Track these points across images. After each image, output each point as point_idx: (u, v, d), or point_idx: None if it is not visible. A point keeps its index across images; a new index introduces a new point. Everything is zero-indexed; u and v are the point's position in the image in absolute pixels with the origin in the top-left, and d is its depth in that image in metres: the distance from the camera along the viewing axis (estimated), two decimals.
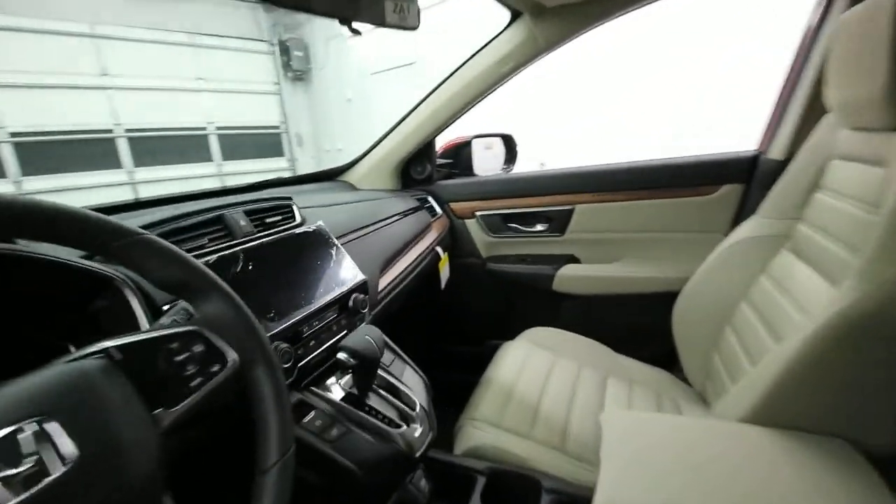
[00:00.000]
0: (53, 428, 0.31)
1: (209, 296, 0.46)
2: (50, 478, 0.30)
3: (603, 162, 1.48)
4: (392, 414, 0.77)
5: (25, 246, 0.50)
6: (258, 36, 7.06)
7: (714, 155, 1.36)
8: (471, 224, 1.62)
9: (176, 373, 0.42)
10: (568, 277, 1.51)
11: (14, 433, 0.30)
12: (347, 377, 0.81)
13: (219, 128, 6.74)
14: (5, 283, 0.48)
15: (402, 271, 1.19)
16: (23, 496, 0.28)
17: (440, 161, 1.71)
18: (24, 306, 0.51)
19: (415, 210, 1.43)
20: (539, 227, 1.55)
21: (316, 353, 0.77)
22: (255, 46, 7.09)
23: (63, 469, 0.30)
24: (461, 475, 0.89)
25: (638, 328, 1.45)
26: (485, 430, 0.99)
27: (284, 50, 7.18)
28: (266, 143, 7.44)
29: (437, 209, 1.59)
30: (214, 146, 6.77)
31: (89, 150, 5.45)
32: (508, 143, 1.79)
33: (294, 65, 7.24)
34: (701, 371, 1.16)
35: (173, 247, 0.45)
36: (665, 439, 0.76)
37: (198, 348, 0.44)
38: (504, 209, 1.56)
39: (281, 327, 0.69)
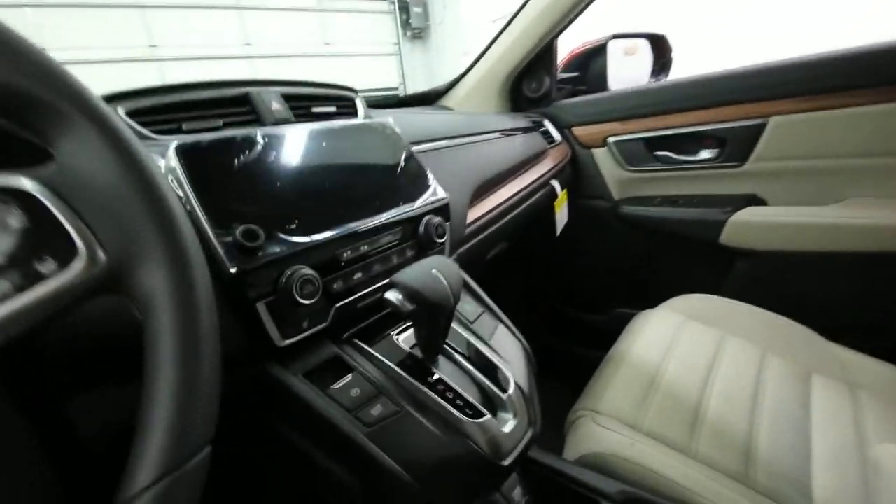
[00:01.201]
0: None
1: (70, 126, 0.22)
2: None
3: (821, 50, 0.96)
4: (471, 394, 0.50)
5: None
6: None
7: None
8: (600, 155, 1.23)
9: None
10: (747, 226, 1.05)
11: None
12: (409, 333, 0.55)
13: None
14: None
15: (502, 204, 0.89)
16: None
17: (562, 76, 1.33)
18: None
19: (525, 130, 1.10)
20: (704, 155, 1.10)
21: (365, 291, 0.52)
22: (376, 7, 7.11)
23: None
24: (574, 495, 0.59)
25: (863, 305, 0.95)
26: (614, 431, 0.67)
27: (404, 7, 7.09)
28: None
29: (556, 135, 1.23)
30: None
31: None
32: (659, 45, 1.31)
33: (413, 22, 7.13)
34: None
35: (13, 30, 0.21)
36: None
37: (14, 222, 0.20)
38: (650, 131, 1.14)
39: (307, 243, 0.46)
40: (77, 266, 0.21)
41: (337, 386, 0.46)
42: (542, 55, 1.21)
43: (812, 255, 0.99)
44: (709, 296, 0.99)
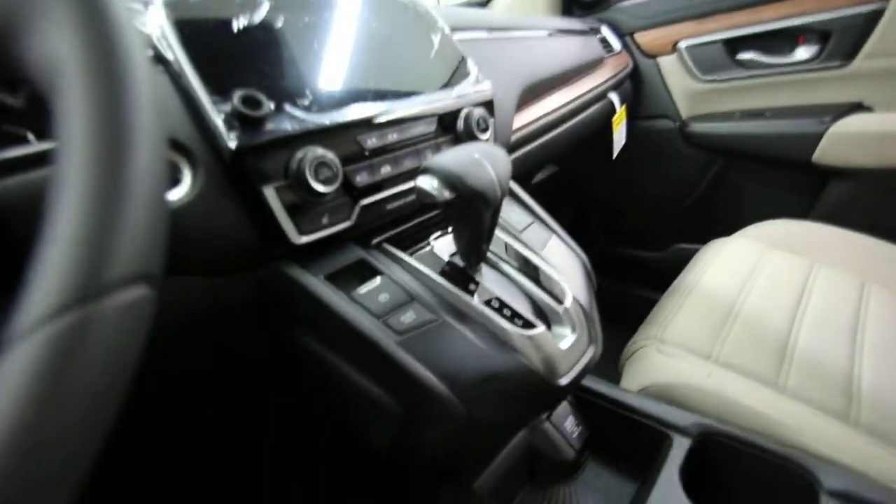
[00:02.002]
0: None
1: None
2: None
3: None
4: (520, 305, 0.42)
5: None
6: None
7: None
8: (667, 64, 1.06)
9: None
10: (849, 138, 0.88)
11: None
12: (447, 240, 0.47)
13: None
14: None
15: (552, 112, 0.77)
16: None
17: None
18: None
19: (580, 33, 0.96)
20: (800, 55, 0.91)
21: (392, 190, 0.44)
22: None
23: None
24: (639, 427, 0.51)
25: None
26: (682, 360, 0.58)
27: None
28: None
29: (616, 44, 1.07)
30: None
31: None
32: None
33: None
34: None
35: None
36: None
37: None
38: (733, 29, 0.96)
39: (322, 123, 0.38)
40: None
41: (363, 290, 0.39)
42: None
43: None
44: (795, 220, 0.85)
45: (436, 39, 0.53)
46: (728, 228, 0.88)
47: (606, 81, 0.94)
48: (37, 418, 0.11)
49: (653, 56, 1.07)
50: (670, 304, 0.70)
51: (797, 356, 0.58)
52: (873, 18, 0.82)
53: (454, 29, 0.62)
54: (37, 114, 0.25)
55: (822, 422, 0.49)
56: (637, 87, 1.10)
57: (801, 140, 0.91)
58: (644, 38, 1.07)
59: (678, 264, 0.83)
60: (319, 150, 0.37)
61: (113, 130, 0.14)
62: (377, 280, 0.40)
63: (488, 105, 0.54)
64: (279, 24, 0.40)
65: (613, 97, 0.97)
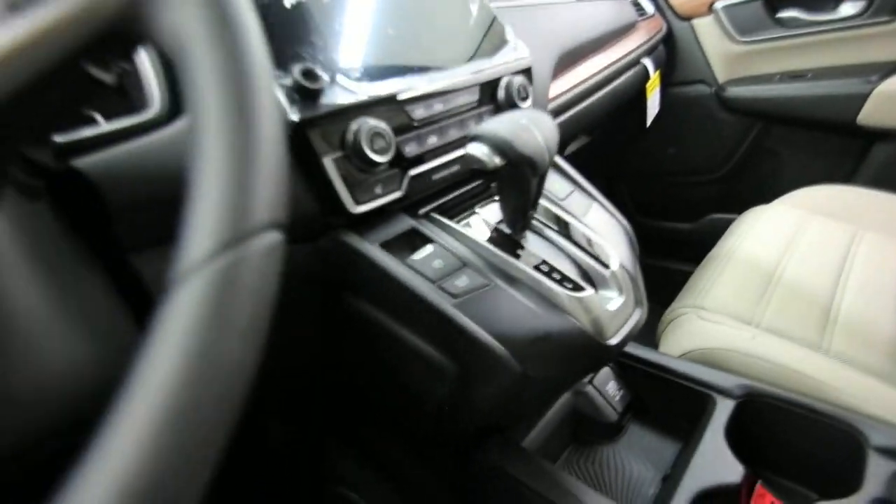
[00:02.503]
0: None
1: None
2: None
3: None
4: (568, 269, 0.43)
5: None
6: None
7: None
8: (703, 26, 1.02)
9: None
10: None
11: None
12: (492, 208, 0.48)
13: None
14: None
15: (586, 80, 0.76)
16: None
17: None
18: None
19: None
20: (846, 11, 0.87)
21: (442, 160, 0.45)
22: None
23: None
24: (681, 390, 0.52)
25: None
26: (724, 325, 0.58)
27: None
28: None
29: (649, 7, 1.03)
30: None
31: None
32: None
33: None
34: None
35: None
36: None
37: None
38: None
39: (376, 95, 0.39)
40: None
41: (417, 257, 0.40)
42: None
43: None
44: (838, 185, 0.83)
45: (475, 9, 0.53)
46: (766, 197, 0.86)
47: (640, 46, 0.92)
48: (206, 347, 0.13)
49: (687, 18, 1.03)
50: (709, 272, 0.69)
51: (841, 319, 0.58)
52: None
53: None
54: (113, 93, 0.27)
55: (868, 382, 0.49)
56: (671, 51, 1.07)
57: (846, 101, 0.88)
58: None
59: (713, 235, 0.82)
60: (373, 121, 0.38)
61: (245, 95, 0.15)
62: (429, 247, 0.41)
63: (527, 73, 0.54)
64: (330, 1, 0.41)
65: (647, 62, 0.94)
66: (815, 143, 0.97)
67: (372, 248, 0.40)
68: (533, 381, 0.39)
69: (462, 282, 0.39)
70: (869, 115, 0.86)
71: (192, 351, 0.13)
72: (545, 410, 0.53)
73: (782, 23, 0.94)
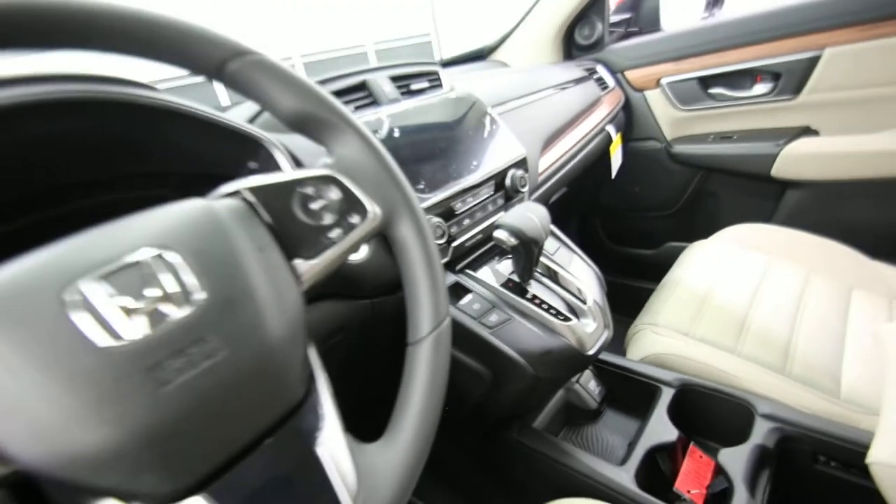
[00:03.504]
0: (178, 260, 0.26)
1: (342, 134, 0.38)
2: (178, 314, 0.25)
3: None
4: (559, 305, 0.66)
5: (181, 102, 0.48)
6: None
7: None
8: (653, 97, 1.29)
9: (313, 222, 0.35)
10: (798, 157, 1.11)
11: (138, 264, 0.25)
12: (507, 262, 0.71)
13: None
14: (163, 138, 0.47)
15: (566, 152, 1.00)
16: (148, 331, 0.24)
17: (615, 18, 1.36)
18: (182, 165, 0.51)
19: (579, 81, 1.18)
20: (759, 90, 1.14)
21: (471, 233, 0.68)
22: None
23: (190, 309, 0.25)
24: (639, 384, 0.75)
25: None
26: (669, 337, 0.81)
27: None
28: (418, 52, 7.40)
29: (609, 81, 1.29)
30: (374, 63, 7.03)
31: None
32: None
33: None
34: None
35: (300, 74, 0.36)
36: None
37: (334, 195, 0.36)
38: (704, 69, 1.18)
39: (432, 201, 0.61)
40: (371, 217, 0.36)
41: (463, 302, 0.62)
42: (595, 1, 1.25)
43: (863, 181, 1.05)
44: (758, 224, 1.08)
45: (487, 122, 0.76)
46: (709, 229, 1.11)
47: (605, 118, 1.17)
48: (434, 373, 0.35)
49: (641, 90, 1.30)
50: (661, 296, 0.93)
51: (752, 330, 0.81)
52: (813, 62, 1.04)
53: (496, 105, 0.86)
54: None
55: (761, 373, 0.73)
56: (629, 115, 1.33)
57: (762, 158, 1.14)
58: (633, 74, 1.30)
59: (670, 259, 1.06)
60: (435, 219, 0.60)
61: (432, 257, 0.37)
62: (470, 295, 0.63)
63: (523, 162, 0.77)
64: (398, 137, 0.64)
65: (610, 128, 1.19)
66: (744, 187, 1.23)
67: None
68: (542, 381, 0.61)
69: (493, 317, 0.61)
70: (779, 169, 1.13)
71: (432, 371, 0.35)
72: (547, 402, 0.75)
73: (713, 96, 1.20)
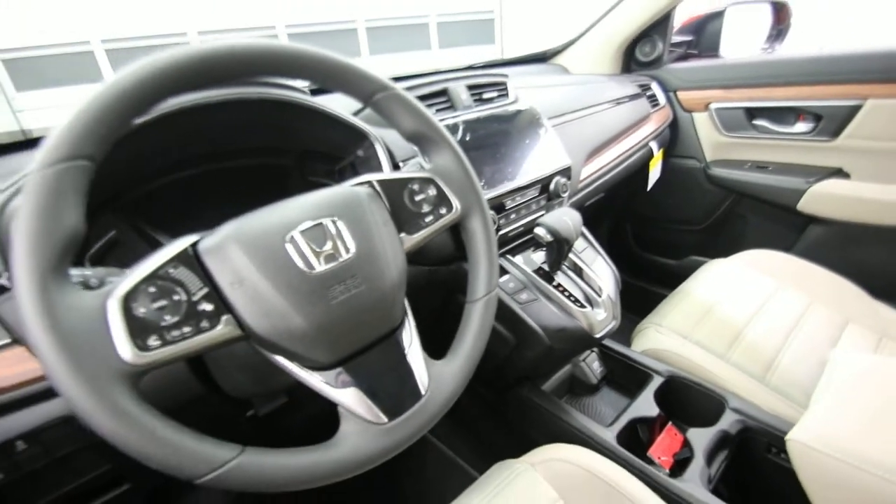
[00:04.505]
0: (342, 226, 0.43)
1: (441, 149, 0.53)
2: (342, 259, 0.42)
3: None
4: (578, 294, 0.80)
5: (318, 101, 0.65)
6: None
7: None
8: (700, 119, 1.38)
9: (415, 209, 0.51)
10: (826, 196, 1.19)
11: (321, 224, 0.42)
12: (540, 253, 0.86)
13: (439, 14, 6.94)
14: (298, 125, 0.64)
15: (608, 164, 1.12)
16: (326, 266, 0.41)
17: (676, 39, 1.43)
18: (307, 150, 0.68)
19: (632, 98, 1.28)
20: (800, 128, 1.21)
21: (515, 226, 0.83)
22: None
23: (348, 256, 0.42)
24: (635, 370, 0.90)
25: None
26: (669, 337, 0.95)
27: None
28: (478, 30, 7.37)
29: (661, 98, 1.38)
30: (434, 36, 7.05)
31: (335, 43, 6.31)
32: (780, 11, 1.36)
33: None
34: None
35: (420, 104, 0.52)
36: None
37: (431, 192, 0.52)
38: (752, 101, 1.26)
39: (489, 196, 0.76)
40: (454, 211, 0.52)
41: (501, 280, 0.78)
42: (660, 21, 1.33)
43: (883, 227, 1.12)
44: (776, 252, 1.17)
45: (543, 135, 0.90)
46: (731, 248, 1.21)
47: (650, 134, 1.28)
48: (484, 324, 0.51)
49: (689, 111, 1.38)
50: (672, 301, 1.05)
51: (745, 342, 0.93)
52: (854, 110, 1.11)
53: (552, 117, 0.99)
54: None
55: (745, 380, 0.85)
56: (674, 132, 1.42)
57: (792, 191, 1.22)
58: (684, 95, 1.38)
59: (690, 271, 1.17)
60: (489, 212, 0.75)
61: (491, 239, 0.53)
62: (507, 275, 0.79)
63: (567, 171, 0.91)
64: (469, 140, 0.79)
65: (653, 144, 1.30)
66: (770, 215, 1.32)
67: None
68: (554, 351, 0.77)
69: (523, 296, 0.77)
70: (806, 203, 1.21)
71: (482, 323, 0.51)
72: (555, 372, 0.91)
73: (756, 127, 1.28)
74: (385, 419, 0.42)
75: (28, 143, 0.60)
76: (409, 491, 1.07)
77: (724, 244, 1.33)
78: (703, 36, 1.41)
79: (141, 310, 0.35)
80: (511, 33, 7.48)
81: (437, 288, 0.82)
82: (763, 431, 0.75)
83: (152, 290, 0.35)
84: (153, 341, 0.34)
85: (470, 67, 1.16)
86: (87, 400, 0.31)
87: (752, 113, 1.28)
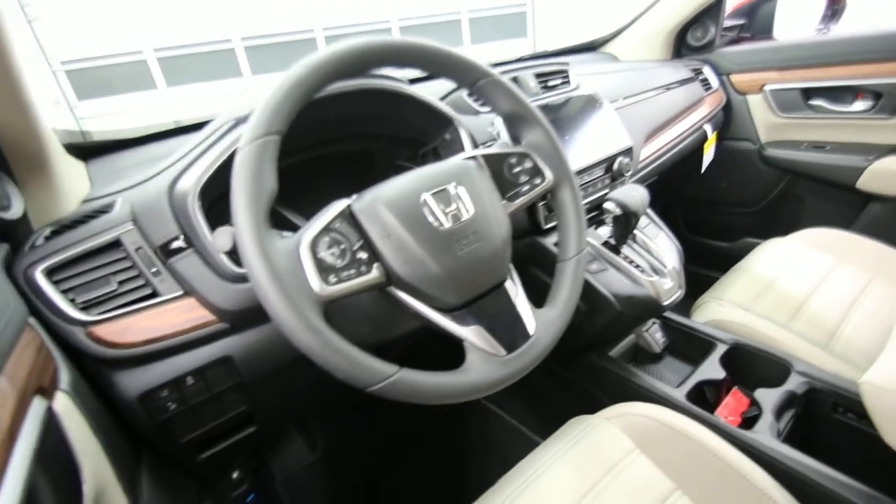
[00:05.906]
0: (462, 191, 0.51)
1: (535, 127, 0.60)
2: (463, 218, 0.50)
3: None
4: (644, 265, 0.86)
5: (414, 90, 0.73)
6: None
7: None
8: (754, 101, 1.39)
9: (514, 179, 0.59)
10: (886, 173, 1.19)
11: (445, 189, 0.50)
12: (605, 229, 0.92)
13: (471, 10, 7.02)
14: (394, 111, 0.72)
15: (664, 146, 1.17)
16: (452, 224, 0.49)
17: (728, 23, 1.45)
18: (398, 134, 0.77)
19: (685, 82, 1.31)
20: (858, 106, 1.22)
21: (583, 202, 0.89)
22: None
23: (468, 216, 0.50)
24: (698, 340, 0.94)
25: None
26: (731, 309, 0.98)
27: None
28: (509, 24, 7.39)
29: (714, 82, 1.40)
30: (466, 32, 7.12)
31: None
32: None
33: None
34: None
35: (515, 87, 0.59)
36: None
37: (527, 164, 0.59)
38: (808, 81, 1.27)
39: None
40: (547, 180, 0.59)
41: None
42: (713, 5, 1.36)
43: None
44: (836, 230, 1.18)
45: (606, 118, 0.95)
46: (788, 229, 1.22)
47: (704, 117, 1.30)
48: (576, 280, 0.58)
49: (743, 94, 1.40)
50: (731, 277, 1.08)
51: (807, 313, 0.95)
52: None
53: (611, 101, 1.04)
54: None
55: (809, 347, 0.88)
56: (728, 115, 1.44)
57: (851, 170, 1.23)
58: (737, 78, 1.40)
59: (744, 253, 1.19)
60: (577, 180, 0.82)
61: (579, 206, 0.60)
62: None
63: (629, 151, 0.96)
64: None
65: (707, 127, 1.32)
66: (827, 195, 1.32)
67: (549, 244, 0.84)
68: (623, 317, 0.83)
69: (594, 266, 0.83)
70: (865, 182, 1.21)
71: (574, 277, 0.58)
72: (621, 340, 0.97)
73: (812, 107, 1.29)
74: (504, 352, 0.50)
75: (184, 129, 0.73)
76: (476, 459, 1.15)
77: (779, 225, 1.34)
78: (756, 18, 1.42)
79: (321, 253, 0.44)
80: (543, 26, 7.45)
81: (513, 260, 0.89)
82: (829, 392, 0.79)
83: (326, 239, 0.44)
84: (332, 278, 0.43)
85: (532, 57, 1.22)
86: (292, 319, 0.40)
87: (808, 93, 1.29)
